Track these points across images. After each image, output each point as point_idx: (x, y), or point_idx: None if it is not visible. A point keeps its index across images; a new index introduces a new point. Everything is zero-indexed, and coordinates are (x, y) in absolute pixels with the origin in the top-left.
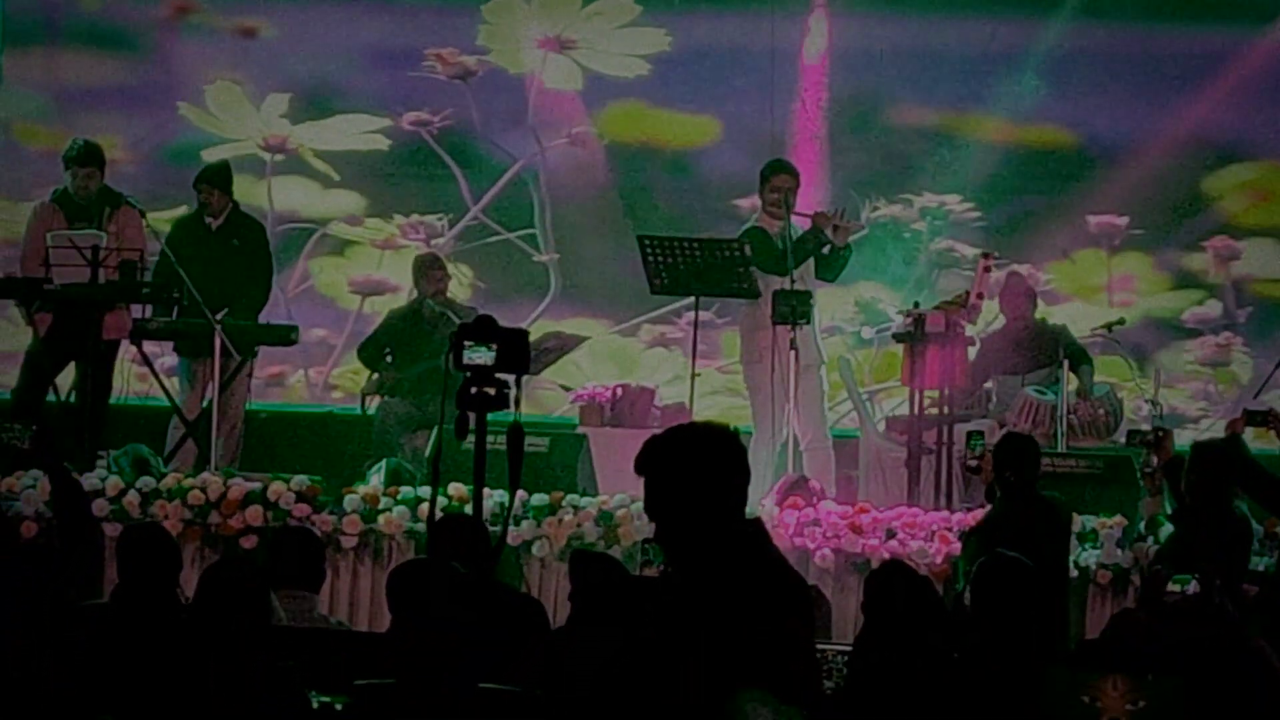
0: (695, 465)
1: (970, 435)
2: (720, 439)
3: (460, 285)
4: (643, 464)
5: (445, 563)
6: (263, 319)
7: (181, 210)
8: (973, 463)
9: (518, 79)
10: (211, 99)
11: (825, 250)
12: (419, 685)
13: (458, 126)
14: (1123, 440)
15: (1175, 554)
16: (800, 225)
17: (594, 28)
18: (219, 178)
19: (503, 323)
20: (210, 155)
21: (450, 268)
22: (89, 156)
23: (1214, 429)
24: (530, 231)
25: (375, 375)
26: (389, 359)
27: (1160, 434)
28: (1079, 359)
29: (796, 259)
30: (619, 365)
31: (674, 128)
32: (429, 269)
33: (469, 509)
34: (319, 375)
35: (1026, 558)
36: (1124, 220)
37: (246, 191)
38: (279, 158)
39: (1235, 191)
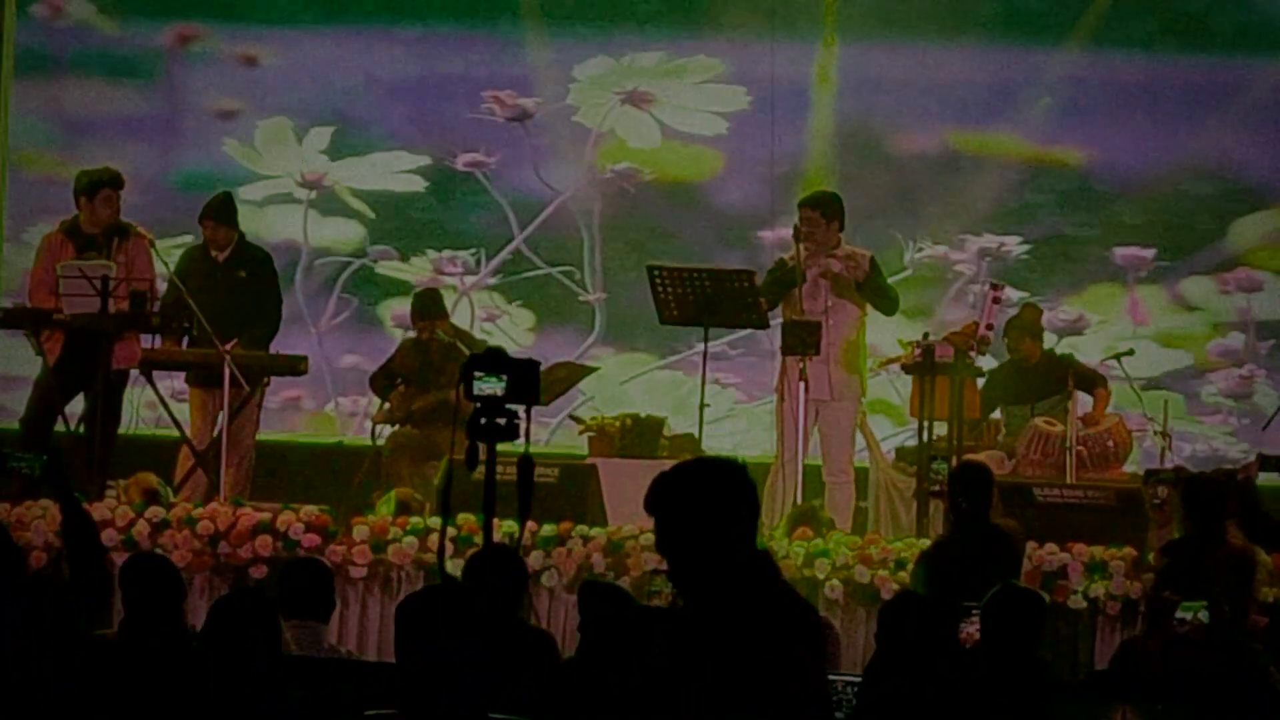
0: (704, 501)
1: (933, 459)
2: (727, 473)
3: (517, 326)
4: (652, 502)
5: (458, 592)
6: (288, 349)
7: (188, 239)
8: (936, 488)
9: (578, 126)
10: (259, 135)
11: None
12: (425, 716)
13: (506, 166)
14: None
15: (1173, 582)
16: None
17: (673, 85)
18: (220, 212)
19: (551, 360)
20: (248, 193)
21: (486, 300)
22: (117, 179)
23: (1227, 461)
24: (571, 268)
25: (385, 405)
26: (400, 388)
27: (1179, 473)
28: (1092, 383)
29: (775, 293)
30: (668, 398)
31: (706, 162)
32: (417, 317)
33: (478, 540)
34: (352, 403)
35: (975, 584)
36: (1150, 252)
37: (282, 225)
38: (314, 194)
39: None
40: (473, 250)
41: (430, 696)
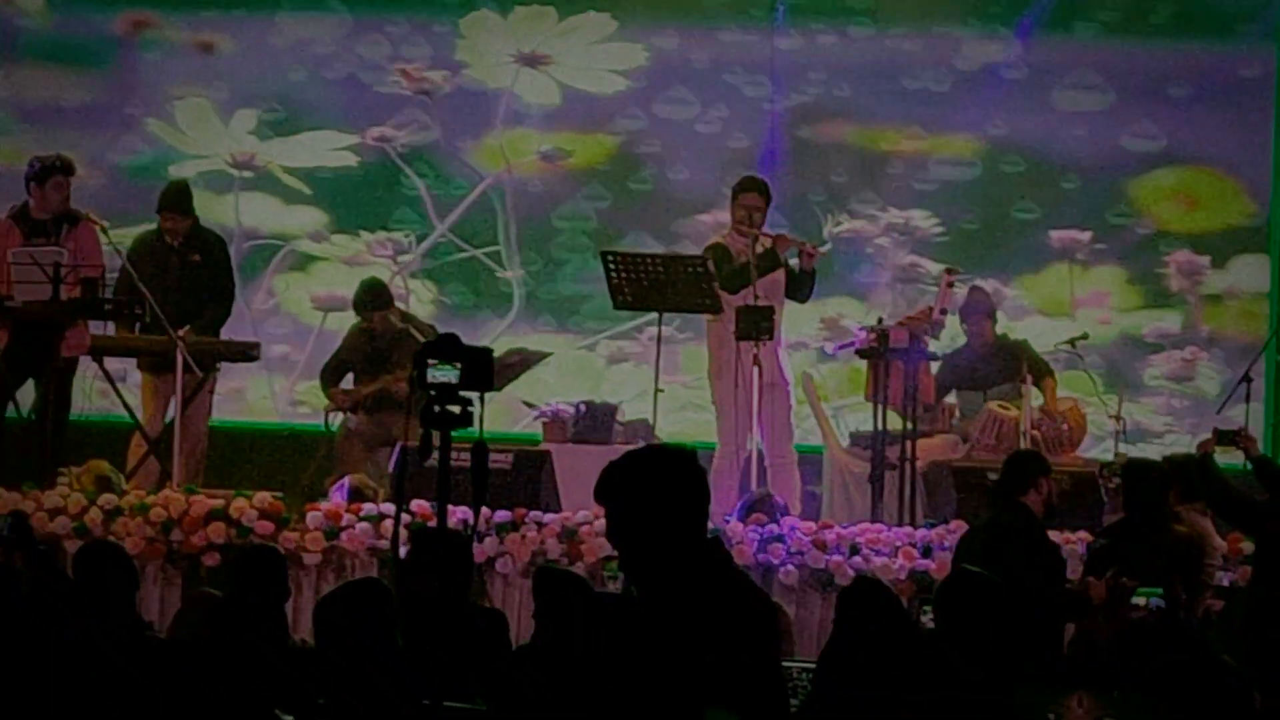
0: (655, 490)
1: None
2: (678, 462)
3: (421, 302)
4: (603, 491)
5: (377, 584)
6: (227, 334)
7: (143, 227)
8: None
9: (484, 96)
10: (180, 115)
11: (796, 270)
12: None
13: (423, 142)
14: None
15: (1107, 565)
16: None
17: (570, 44)
18: (175, 202)
19: (467, 339)
20: (177, 172)
21: (415, 284)
22: (68, 166)
23: (1178, 444)
24: (496, 248)
25: (332, 401)
26: (351, 377)
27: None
28: (1042, 373)
29: (747, 279)
30: (584, 381)
31: (635, 143)
32: (361, 307)
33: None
34: (284, 391)
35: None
36: (1087, 235)
37: (213, 208)
38: (247, 174)
39: (1161, 198)
40: (405, 232)
41: (377, 690)
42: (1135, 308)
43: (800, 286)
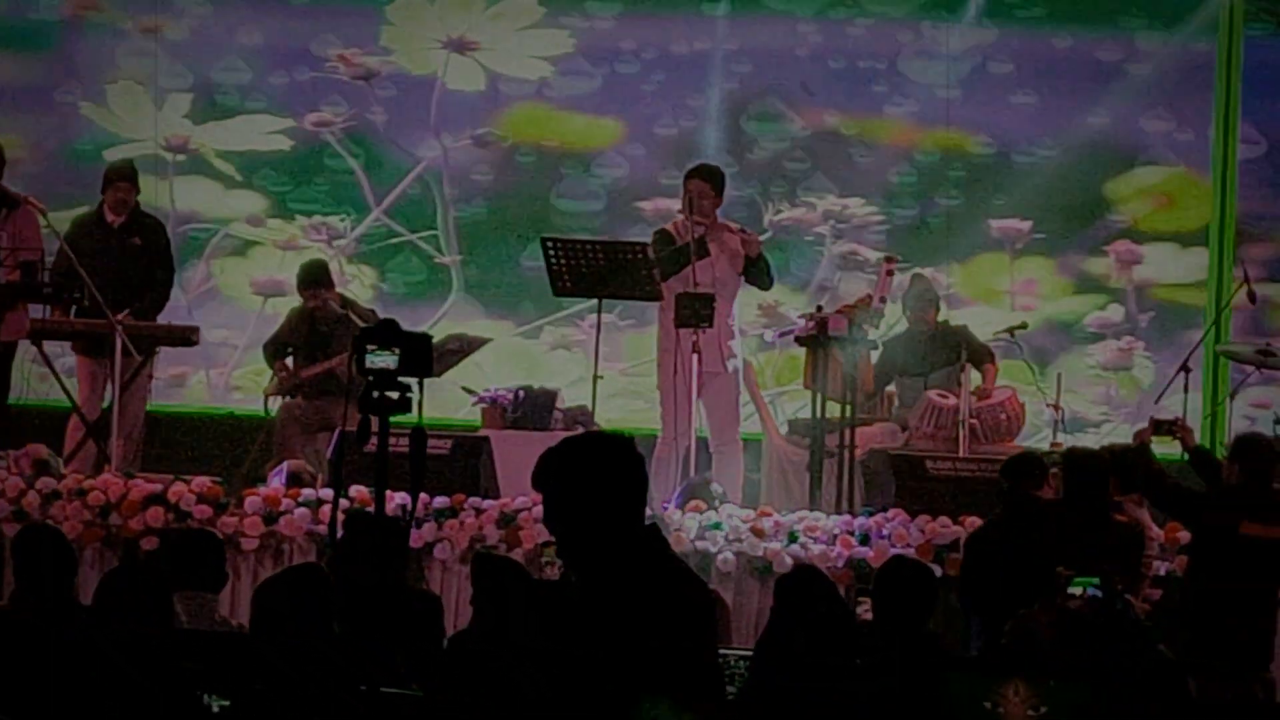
0: (591, 476)
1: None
2: (615, 448)
3: (362, 287)
4: (540, 478)
5: (316, 571)
6: (164, 319)
7: (82, 209)
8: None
9: (421, 80)
10: (113, 98)
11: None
12: (301, 690)
13: (361, 127)
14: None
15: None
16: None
17: (496, 29)
18: (126, 173)
19: (405, 325)
20: (112, 155)
21: (352, 269)
22: None
23: (1116, 434)
24: (433, 233)
25: (274, 377)
26: (290, 360)
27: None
28: (982, 358)
29: (680, 263)
30: (522, 367)
31: (577, 129)
32: (304, 286)
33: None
34: (220, 376)
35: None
36: (1027, 224)
37: (148, 192)
38: (180, 158)
39: (1138, 197)
40: (340, 216)
41: (313, 675)
42: (1072, 295)
43: (756, 275)
